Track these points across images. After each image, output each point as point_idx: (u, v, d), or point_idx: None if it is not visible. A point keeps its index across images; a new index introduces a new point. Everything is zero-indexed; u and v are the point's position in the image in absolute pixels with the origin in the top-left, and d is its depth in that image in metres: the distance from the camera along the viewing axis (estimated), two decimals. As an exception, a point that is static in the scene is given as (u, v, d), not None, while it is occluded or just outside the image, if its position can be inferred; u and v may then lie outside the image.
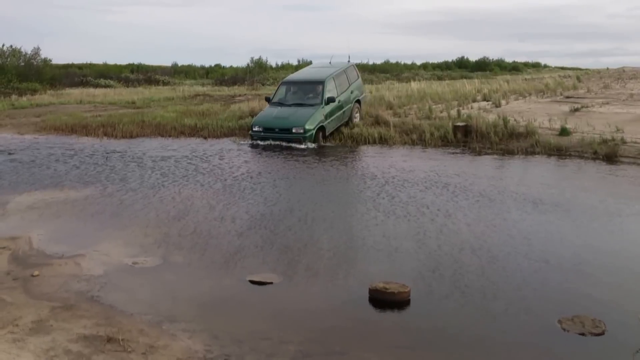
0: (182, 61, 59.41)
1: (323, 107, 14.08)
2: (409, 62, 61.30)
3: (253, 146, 13.69)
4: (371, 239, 6.54)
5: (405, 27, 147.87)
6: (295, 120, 13.63)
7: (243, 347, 4.05)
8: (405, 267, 5.68)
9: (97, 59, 75.94)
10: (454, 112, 16.50)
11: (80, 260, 5.79)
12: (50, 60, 41.94)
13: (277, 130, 13.66)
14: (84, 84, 39.32)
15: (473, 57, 62.63)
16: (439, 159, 12.14)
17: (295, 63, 54.97)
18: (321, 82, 14.65)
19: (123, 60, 58.63)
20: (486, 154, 12.80)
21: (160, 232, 6.81)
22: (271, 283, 5.31)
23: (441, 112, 17.22)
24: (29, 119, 19.72)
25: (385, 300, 4.93)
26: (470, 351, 4.14)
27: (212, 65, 56.85)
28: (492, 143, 13.57)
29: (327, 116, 14.18)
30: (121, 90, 33.97)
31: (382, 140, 14.56)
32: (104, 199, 8.52)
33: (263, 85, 38.29)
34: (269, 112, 14.50)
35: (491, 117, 15.12)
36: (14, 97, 28.91)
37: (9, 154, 12.88)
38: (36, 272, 5.43)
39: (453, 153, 12.96)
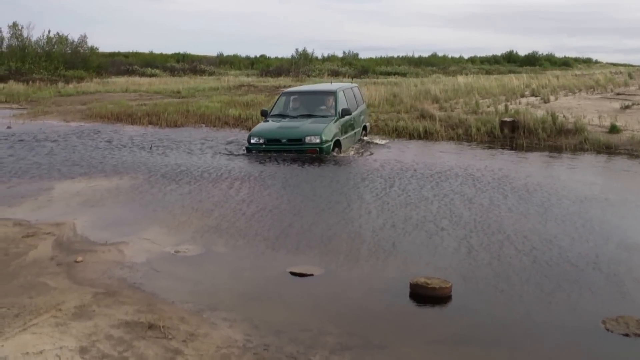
0: (228, 51, 59.96)
1: (338, 120, 11.73)
2: (456, 55, 60.65)
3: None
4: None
5: (453, 19, 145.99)
6: (309, 129, 11.23)
7: (282, 337, 3.99)
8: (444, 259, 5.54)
9: (144, 48, 77.34)
10: (501, 107, 16.14)
11: (123, 248, 5.84)
12: (97, 48, 42.88)
13: (284, 141, 11.16)
14: (129, 72, 40.06)
15: (522, 52, 61.35)
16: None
17: (340, 55, 54.94)
18: (332, 93, 12.39)
19: (169, 50, 59.64)
20: (535, 150, 12.48)
21: (203, 222, 6.82)
22: (312, 275, 5.25)
23: (488, 107, 16.88)
24: (74, 107, 20.18)
25: (426, 295, 4.81)
26: (510, 350, 4.00)
27: (258, 55, 57.32)
28: (539, 139, 13.25)
29: (342, 131, 11.87)
30: (166, 80, 34.49)
31: (427, 135, 14.37)
32: (149, 187, 8.61)
33: (308, 76, 38.29)
34: (270, 124, 11.97)
35: (539, 113, 14.73)
36: (60, 84, 29.69)
37: (54, 140, 13.17)
38: (80, 258, 5.49)
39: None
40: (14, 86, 27.94)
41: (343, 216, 7.12)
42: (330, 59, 52.08)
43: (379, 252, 5.83)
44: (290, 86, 27.13)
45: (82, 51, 40.68)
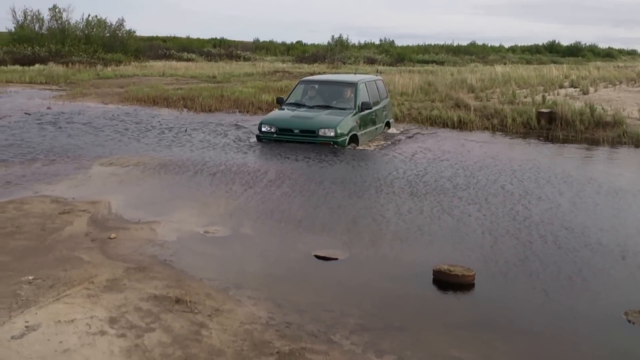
0: (264, 37, 60.34)
1: (357, 114, 11.10)
2: (496, 44, 59.70)
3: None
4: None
5: (494, 7, 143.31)
6: (324, 121, 10.62)
7: (304, 316, 4.08)
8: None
9: (181, 32, 78.11)
10: (538, 98, 15.91)
11: (155, 227, 6.00)
12: (135, 32, 43.55)
13: (296, 131, 10.60)
14: (166, 56, 40.58)
15: (565, 42, 60.07)
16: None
17: (377, 42, 54.65)
18: (353, 85, 11.63)
19: (206, 35, 60.11)
20: (572, 142, 12.30)
21: (232, 204, 6.95)
22: (336, 259, 5.32)
23: (525, 97, 16.64)
24: (112, 89, 20.58)
25: (448, 282, 4.84)
26: (529, 339, 4.01)
27: (294, 42, 57.43)
28: (576, 131, 13.05)
29: (361, 125, 11.24)
30: (202, 65, 34.87)
31: (461, 124, 14.26)
32: (181, 169, 8.78)
33: (344, 63, 38.23)
34: (283, 112, 11.44)
35: (578, 105, 14.47)
36: (99, 67, 30.31)
37: (91, 122, 13.49)
38: (113, 235, 5.67)
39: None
40: (54, 68, 28.62)
41: (369, 204, 7.17)
42: (367, 46, 51.87)
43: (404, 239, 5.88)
44: (324, 73, 27.13)
45: (120, 35, 41.37)
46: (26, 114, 14.25)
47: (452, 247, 5.68)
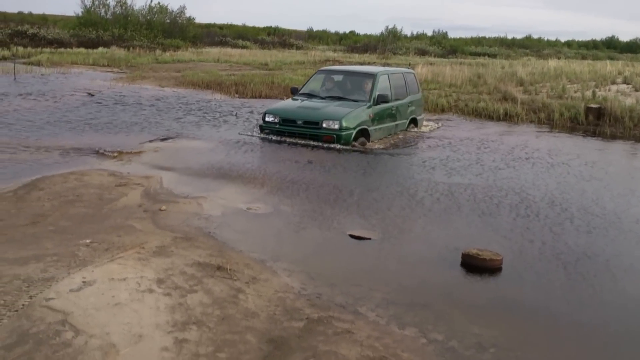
0: (318, 27, 60.68)
1: (371, 107, 10.32)
2: (552, 38, 58.30)
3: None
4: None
5: (552, 1, 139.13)
6: (329, 113, 9.89)
7: (335, 289, 4.38)
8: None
9: (237, 20, 79.26)
10: (588, 94, 15.67)
11: (202, 202, 6.40)
12: (194, 19, 44.66)
13: (299, 122, 9.88)
14: (222, 43, 41.44)
15: (624, 38, 58.14)
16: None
17: (430, 33, 54.22)
18: (372, 76, 10.88)
19: (261, 23, 60.87)
20: (620, 139, 12.14)
21: (275, 184, 7.33)
22: (370, 239, 5.60)
23: (575, 92, 16.43)
24: (169, 74, 21.30)
25: (476, 266, 5.05)
26: (548, 325, 4.16)
27: (347, 32, 57.54)
28: (625, 128, 12.84)
29: (374, 120, 10.40)
30: (256, 52, 35.46)
31: (507, 117, 14.23)
32: (229, 150, 9.21)
33: (394, 54, 38.15)
34: (291, 102, 10.88)
35: (628, 101, 14.22)
36: (158, 52, 31.27)
37: (150, 103, 14.12)
38: (163, 207, 6.10)
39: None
40: (116, 51, 29.74)
41: (401, 191, 7.41)
42: (419, 37, 51.52)
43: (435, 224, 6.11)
44: (374, 63, 27.21)
45: (180, 21, 42.52)
46: (89, 94, 15.00)
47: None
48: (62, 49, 29.15)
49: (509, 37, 53.24)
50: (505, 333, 3.98)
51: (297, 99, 10.85)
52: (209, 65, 25.73)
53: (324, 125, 9.69)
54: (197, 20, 46.61)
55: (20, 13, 55.19)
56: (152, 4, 42.35)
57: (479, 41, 51.21)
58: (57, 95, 14.42)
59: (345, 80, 11.28)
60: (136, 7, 42.53)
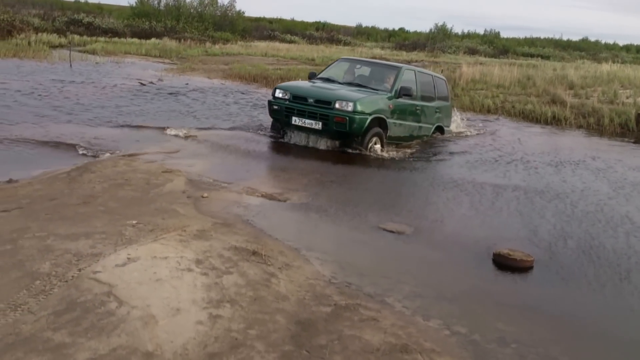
0: (368, 23, 60.63)
1: (392, 99, 9.53)
2: (610, 41, 56.64)
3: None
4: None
5: (610, 2, 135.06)
6: (344, 94, 9.06)
7: (364, 280, 4.54)
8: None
9: (287, 14, 79.86)
10: (641, 99, 15.32)
11: (242, 191, 6.64)
12: (244, 13, 45.32)
13: (310, 101, 9.03)
14: (271, 37, 41.90)
15: (689, 42, 56.03)
16: None
17: (481, 32, 53.49)
18: (396, 68, 10.32)
19: (310, 18, 61.17)
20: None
21: (313, 176, 7.54)
22: (403, 233, 5.73)
23: (627, 97, 16.05)
24: (218, 66, 21.76)
25: (507, 266, 5.12)
26: (573, 326, 4.22)
27: (396, 28, 57.28)
28: (677, 136, 12.54)
29: (394, 113, 9.55)
30: (303, 47, 35.71)
31: (555, 121, 14.06)
32: (272, 142, 9.47)
33: (443, 52, 37.83)
34: (304, 82, 10.45)
35: (683, 108, 13.84)
36: (207, 44, 31.88)
37: (198, 94, 14.53)
38: (205, 194, 6.36)
39: None
40: (168, 43, 30.45)
41: (436, 191, 7.50)
42: (470, 36, 50.90)
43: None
44: (422, 61, 27.10)
45: (230, 14, 43.21)
46: (141, 83, 15.52)
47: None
48: (116, 39, 30.01)
49: (564, 38, 52.09)
50: (529, 330, 4.07)
51: (314, 82, 10.17)
52: (257, 59, 26.13)
53: (337, 105, 8.79)
54: (247, 14, 47.33)
55: (76, 2, 57.03)
56: (205, -2, 43.16)
57: (532, 42, 50.22)
58: (110, 84, 14.98)
59: (368, 71, 10.64)
60: (188, 0, 43.32)
